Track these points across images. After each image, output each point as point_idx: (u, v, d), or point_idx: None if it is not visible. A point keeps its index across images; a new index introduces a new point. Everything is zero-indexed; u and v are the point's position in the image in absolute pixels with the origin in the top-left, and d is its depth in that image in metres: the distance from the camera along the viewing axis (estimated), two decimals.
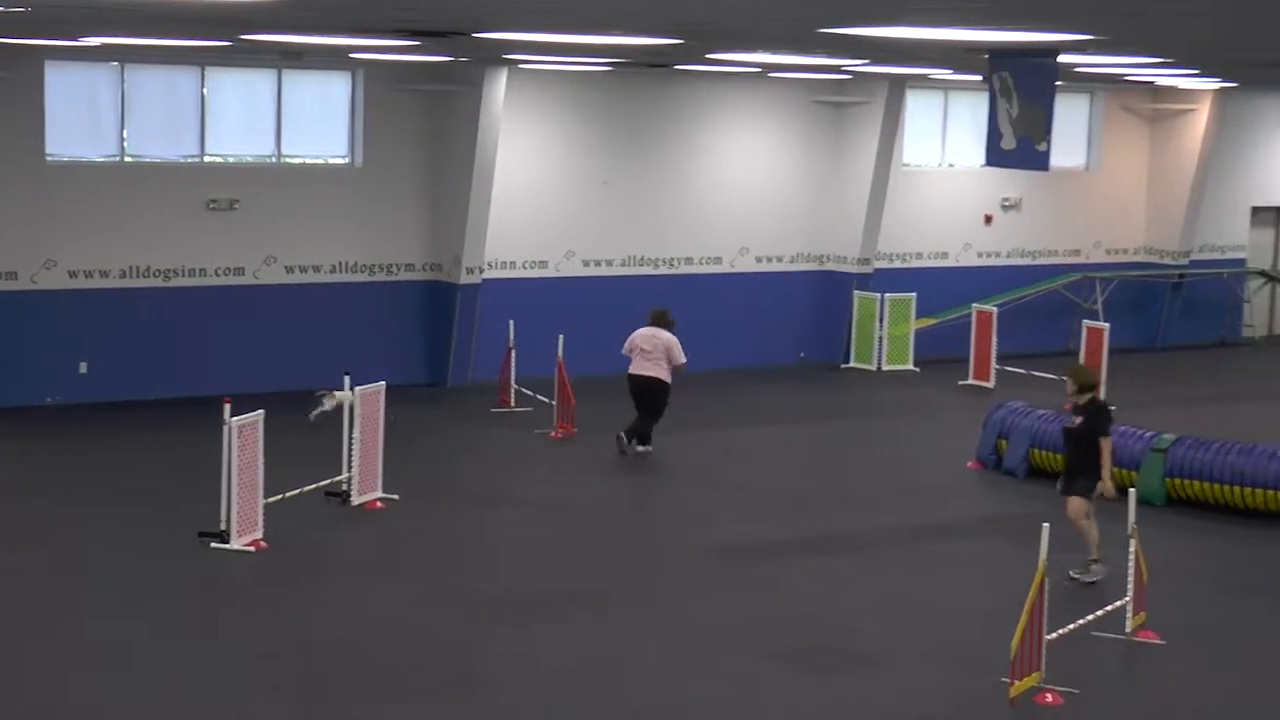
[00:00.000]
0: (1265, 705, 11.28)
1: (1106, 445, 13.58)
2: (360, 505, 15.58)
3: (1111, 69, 19.26)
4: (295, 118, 21.78)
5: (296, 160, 21.91)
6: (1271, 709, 11.21)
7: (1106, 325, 22.13)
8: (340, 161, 22.19)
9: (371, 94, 21.96)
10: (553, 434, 19.24)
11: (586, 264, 23.51)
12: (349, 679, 11.16)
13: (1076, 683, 11.14)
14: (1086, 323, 22.47)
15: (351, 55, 19.39)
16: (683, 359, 18.33)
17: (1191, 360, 26.78)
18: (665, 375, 18.27)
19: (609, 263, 23.66)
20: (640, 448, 18.36)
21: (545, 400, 19.91)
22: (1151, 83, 24.31)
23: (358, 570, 13.99)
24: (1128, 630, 12.27)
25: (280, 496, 14.91)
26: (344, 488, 15.65)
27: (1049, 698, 10.94)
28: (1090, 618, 12.17)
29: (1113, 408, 14.19)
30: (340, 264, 21.98)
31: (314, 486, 15.64)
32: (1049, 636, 11.20)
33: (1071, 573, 13.60)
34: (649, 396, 18.32)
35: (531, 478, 17.51)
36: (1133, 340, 26.79)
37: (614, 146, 23.61)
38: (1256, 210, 29.29)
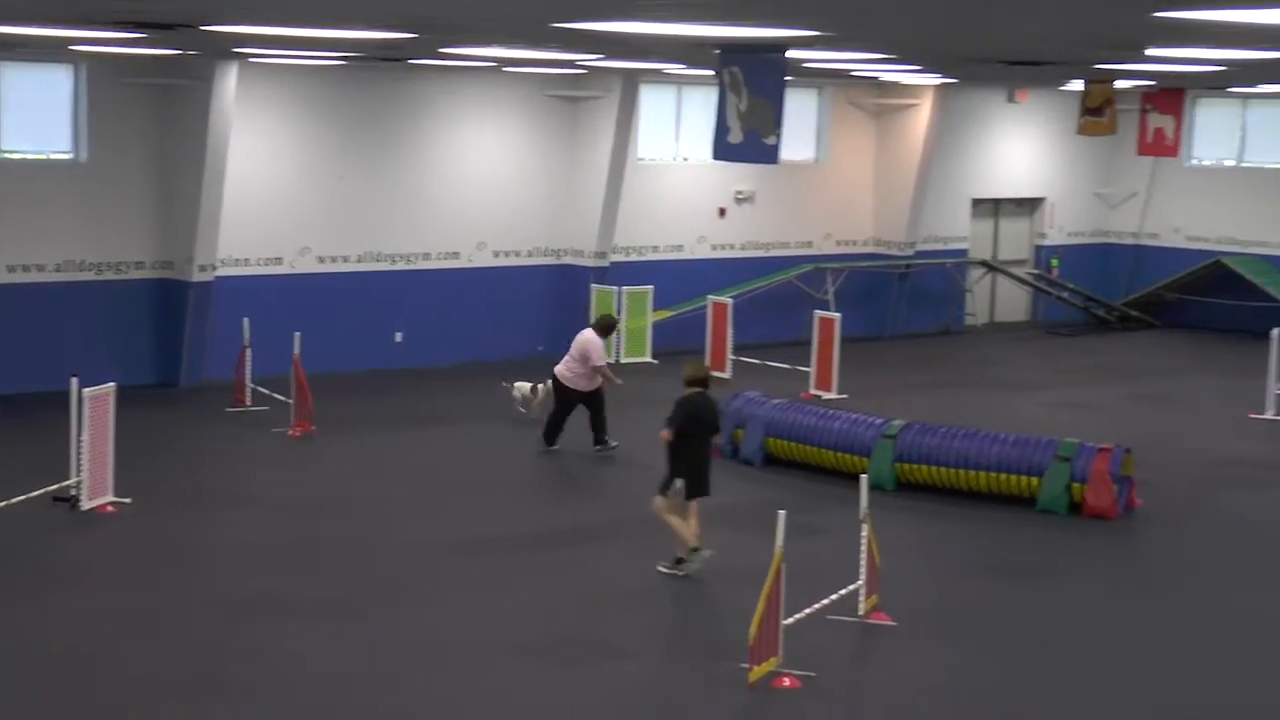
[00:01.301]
0: (991, 679, 11.70)
1: (664, 435, 13.83)
2: (91, 510, 15.15)
3: (838, 64, 19.72)
4: (14, 112, 21.05)
5: (17, 156, 21.18)
6: (997, 682, 11.63)
7: (838, 315, 22.66)
8: (64, 157, 21.51)
9: (96, 88, 21.34)
10: (291, 432, 18.97)
11: (322, 260, 23.21)
12: (87, 689, 10.86)
13: (813, 666, 11.40)
14: (818, 313, 22.98)
15: (72, 47, 18.82)
16: (597, 361, 18.02)
17: (918, 348, 27.59)
18: (568, 375, 18.12)
19: (345, 259, 23.40)
20: (595, 448, 18.41)
21: (282, 399, 19.62)
22: (876, 78, 24.98)
23: (91, 576, 13.60)
24: (861, 613, 12.61)
25: (5, 503, 14.41)
26: (73, 492, 15.20)
27: (786, 681, 11.18)
28: (825, 602, 12.46)
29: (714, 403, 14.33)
30: (66, 262, 21.31)
31: (41, 492, 15.16)
32: (786, 622, 11.44)
33: (660, 567, 13.90)
34: (559, 396, 18.37)
35: (271, 477, 17.25)
36: (863, 329, 27.48)
37: (349, 141, 23.36)
38: (976, 202, 30.31)
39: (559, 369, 18.30)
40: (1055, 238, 31.46)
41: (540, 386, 19.61)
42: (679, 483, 13.84)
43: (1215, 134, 31.17)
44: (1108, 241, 32.13)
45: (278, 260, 22.83)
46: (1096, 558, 14.99)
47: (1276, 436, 20.64)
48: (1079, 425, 19.73)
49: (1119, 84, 22.83)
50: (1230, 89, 27.57)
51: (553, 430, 18.41)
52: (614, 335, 18.73)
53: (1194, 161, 31.33)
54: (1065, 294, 30.63)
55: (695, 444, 13.86)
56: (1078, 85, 23.77)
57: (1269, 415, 21.44)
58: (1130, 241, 31.99)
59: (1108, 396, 23.18)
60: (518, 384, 19.99)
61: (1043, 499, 16.27)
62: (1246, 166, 30.69)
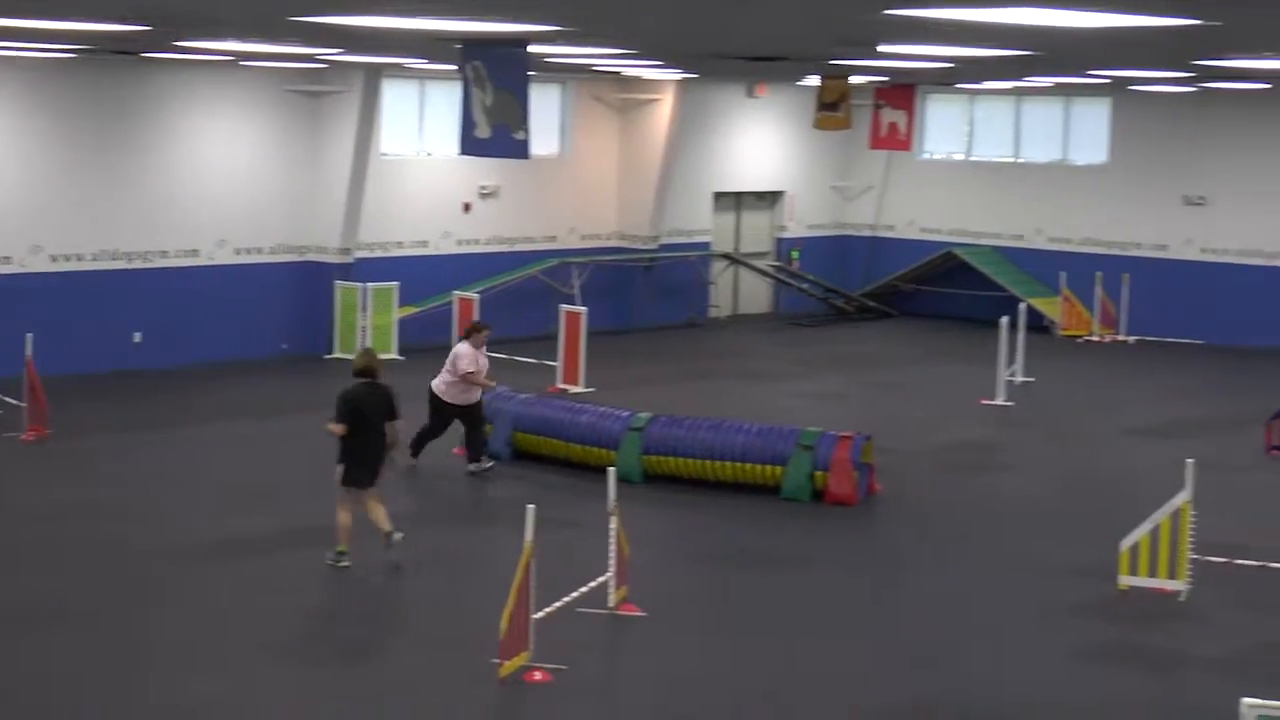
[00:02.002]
0: (739, 667, 11.89)
1: (334, 428, 13.85)
2: None
3: (580, 59, 19.82)
4: None
5: None
6: (746, 670, 11.82)
7: (584, 309, 22.78)
8: None
9: None
10: (24, 437, 18.36)
11: (55, 259, 22.50)
12: None
13: (564, 659, 11.45)
14: (565, 307, 23.07)
15: None
16: (462, 369, 17.07)
17: (664, 340, 27.88)
18: (441, 388, 17.21)
19: (80, 258, 22.72)
20: (471, 466, 17.33)
21: (14, 402, 18.97)
22: (619, 73, 25.17)
23: None
24: (611, 605, 12.70)
25: None
26: None
27: (538, 675, 11.21)
28: (575, 595, 12.52)
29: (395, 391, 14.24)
30: None
31: None
32: (536, 616, 11.47)
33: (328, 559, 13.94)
34: (434, 411, 17.36)
35: (3, 482, 16.66)
36: (609, 322, 27.67)
37: (82, 137, 22.67)
38: (719, 196, 30.75)
39: (434, 383, 17.32)
40: (795, 230, 32.10)
41: None
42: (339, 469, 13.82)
43: (945, 128, 32.16)
44: (845, 234, 32.90)
45: (7, 259, 22.06)
46: (839, 543, 15.34)
47: (1006, 421, 21.37)
48: (821, 414, 20.16)
49: (854, 79, 23.37)
50: (958, 85, 28.47)
51: (420, 442, 17.39)
52: (483, 336, 17.37)
53: (926, 155, 32.28)
54: (806, 285, 31.27)
55: (361, 435, 13.80)
56: (815, 81, 24.26)
57: (999, 401, 22.19)
58: (867, 233, 32.81)
59: (848, 385, 23.74)
60: None
61: (787, 487, 16.59)
62: (975, 160, 31.72)
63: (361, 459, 13.83)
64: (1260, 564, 14.57)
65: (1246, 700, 7.92)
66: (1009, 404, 22.14)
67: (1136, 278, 28.94)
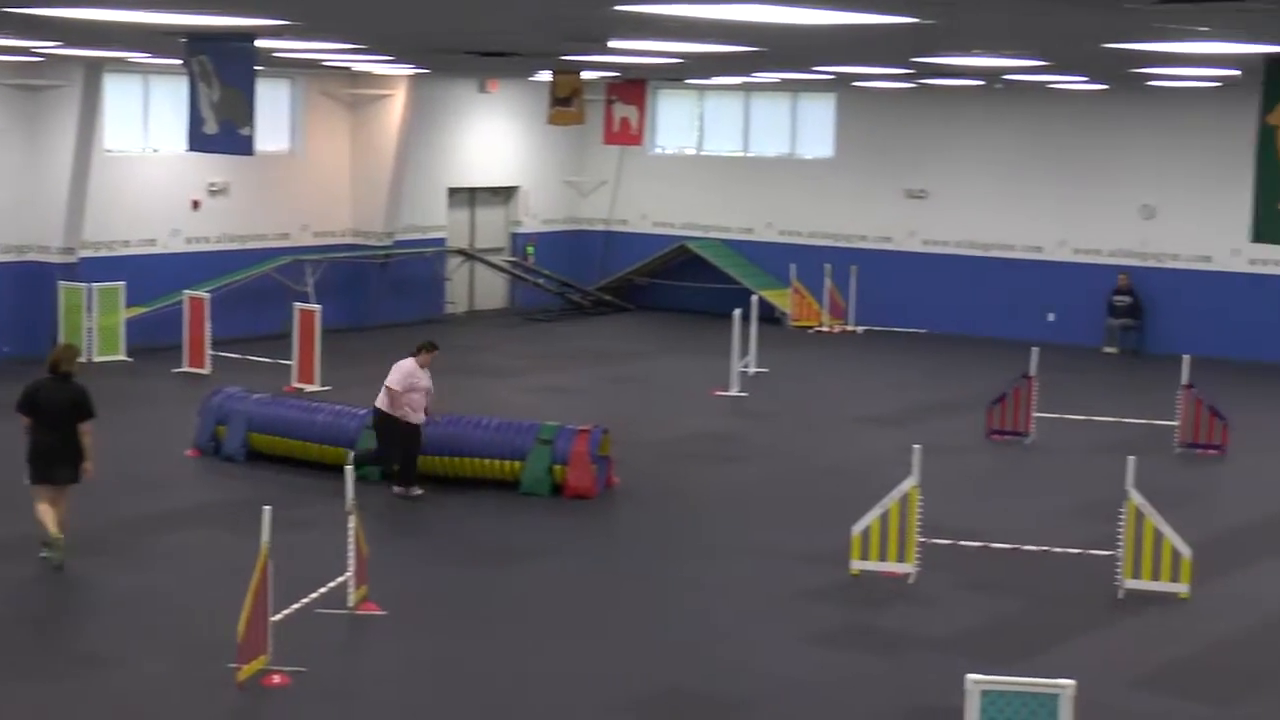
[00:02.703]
0: (482, 664, 11.88)
1: (23, 422, 13.78)
2: None
3: (309, 54, 19.56)
4: None
5: None
6: (488, 667, 11.82)
7: (318, 307, 22.49)
8: None
9: None
10: None
11: None
12: None
13: (304, 661, 11.31)
14: (299, 305, 22.74)
15: None
16: (388, 381, 16.23)
17: (401, 337, 27.52)
18: (385, 404, 16.28)
19: None
20: (397, 488, 16.40)
21: None
22: (349, 68, 24.89)
23: None
24: (351, 604, 12.58)
25: None
26: None
27: (276, 678, 11.06)
28: (314, 596, 12.38)
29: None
30: None
31: None
32: (274, 618, 11.31)
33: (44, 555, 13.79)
34: (383, 430, 16.37)
35: None
36: (345, 320, 27.36)
37: None
38: (453, 191, 30.63)
39: (378, 401, 16.38)
40: (530, 225, 32.15)
41: None
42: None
43: (676, 123, 32.56)
44: (580, 228, 33.08)
45: None
46: (580, 536, 15.44)
47: (740, 411, 21.74)
48: (559, 408, 20.26)
49: (586, 75, 23.51)
50: (689, 80, 28.86)
51: (390, 465, 16.39)
52: (428, 356, 16.45)
53: (658, 150, 32.63)
54: (541, 280, 31.35)
55: (43, 431, 13.56)
56: (547, 76, 24.34)
57: (733, 392, 22.57)
58: (601, 228, 33.04)
59: (585, 379, 23.88)
60: None
61: (526, 482, 16.63)
62: (706, 154, 32.18)
63: (45, 455, 13.56)
64: (983, 545, 15.08)
65: (971, 677, 8.21)
66: (743, 395, 22.53)
67: (863, 269, 29.71)
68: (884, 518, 13.92)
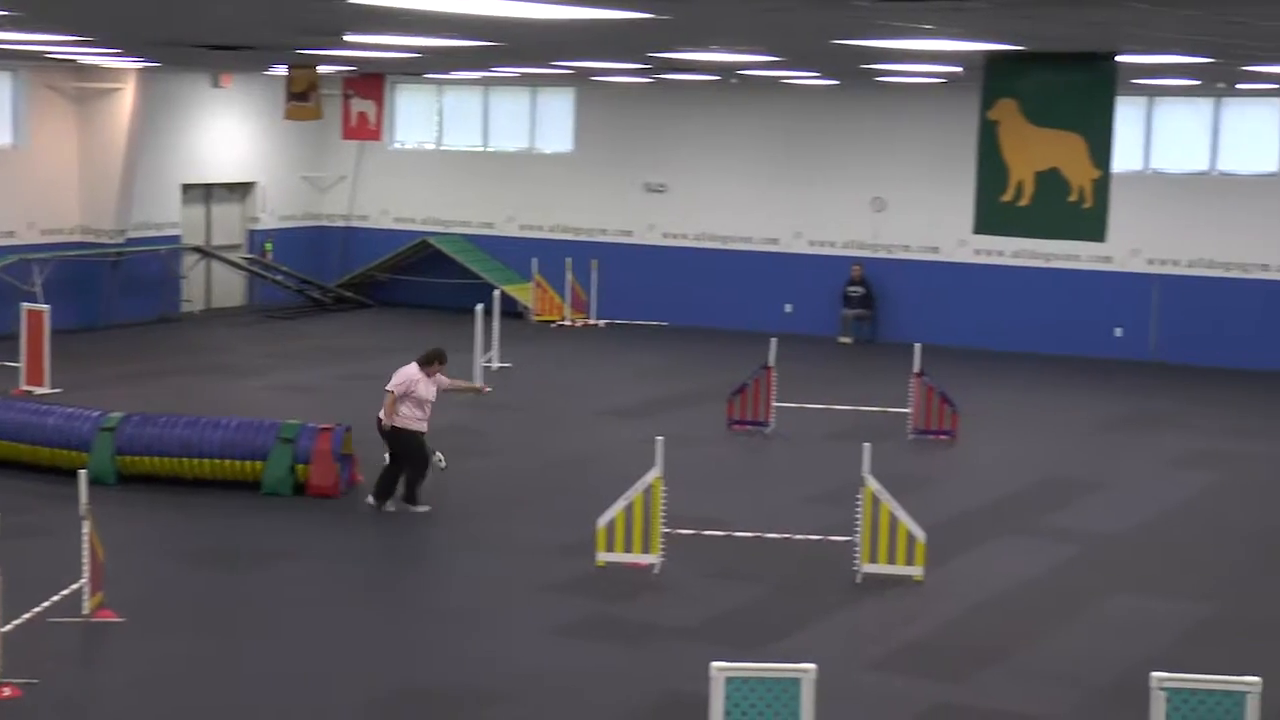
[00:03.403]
0: (223, 668, 11.67)
1: None
2: None
3: (30, 46, 18.94)
4: None
5: None
6: (229, 671, 11.61)
7: (47, 307, 21.78)
8: None
9: None
10: None
11: None
12: None
13: (37, 672, 10.97)
14: (26, 305, 22.00)
15: None
16: (389, 387, 15.92)
17: (135, 337, 26.97)
18: (392, 418, 15.90)
19: None
20: (410, 505, 15.96)
21: None
22: (74, 60, 24.15)
23: None
24: (86, 612, 12.24)
25: None
26: None
27: (6, 691, 10.70)
28: (47, 604, 12.01)
29: None
30: None
31: None
32: (4, 629, 10.94)
33: None
34: (388, 443, 15.95)
35: None
36: (76, 321, 26.55)
37: None
38: (187, 188, 29.95)
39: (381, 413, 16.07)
40: (268, 222, 31.62)
41: None
42: None
43: (415, 118, 32.35)
44: (320, 224, 32.64)
45: None
46: (324, 536, 15.25)
47: (482, 406, 21.68)
48: (301, 406, 19.98)
49: (322, 69, 23.22)
50: (427, 75, 28.69)
51: (414, 486, 16.08)
52: (435, 367, 15.99)
53: (397, 145, 32.38)
54: (280, 277, 30.86)
55: None
56: (283, 71, 23.97)
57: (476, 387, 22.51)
58: (341, 224, 32.66)
59: (327, 377, 23.59)
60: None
61: (267, 482, 16.37)
62: (445, 149, 32.04)
63: None
64: (726, 533, 15.33)
65: (716, 664, 8.34)
66: (487, 390, 22.47)
67: (604, 263, 29.91)
68: (628, 509, 14.05)
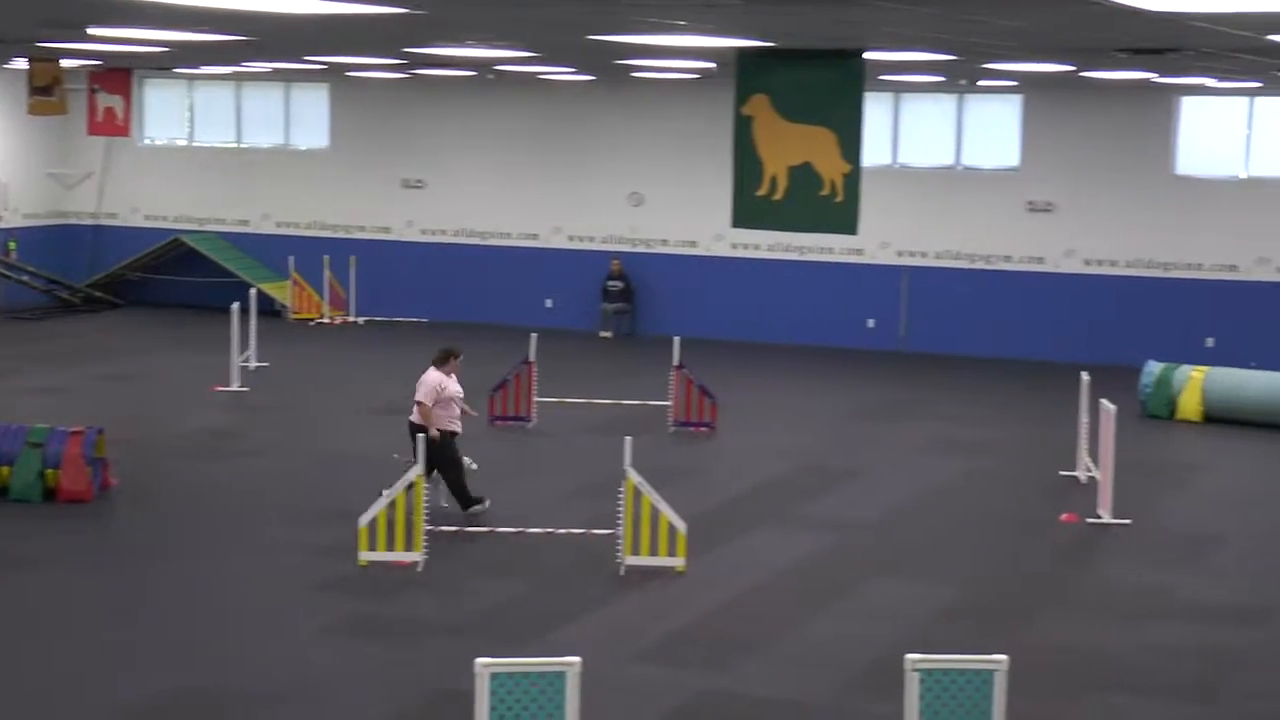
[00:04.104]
0: None
1: None
2: None
3: None
4: None
5: None
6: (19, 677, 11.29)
7: None
8: None
9: None
10: None
11: None
12: None
13: None
14: None
15: None
16: (421, 397, 15.46)
17: None
18: (417, 417, 15.45)
19: None
20: (465, 512, 15.55)
21: None
22: None
23: None
24: None
25: None
26: None
27: None
28: None
29: None
30: None
31: None
32: None
33: None
34: (414, 444, 15.07)
35: None
36: None
37: None
38: None
39: (411, 417, 15.66)
40: (11, 220, 30.62)
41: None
42: None
43: (166, 114, 31.66)
44: (67, 223, 31.74)
45: None
46: (76, 541, 14.85)
47: (242, 407, 21.37)
48: (51, 410, 19.41)
49: (66, 63, 22.59)
50: (177, 70, 28.08)
51: (463, 491, 15.69)
52: (454, 363, 15.87)
53: (147, 141, 31.65)
54: (26, 277, 29.92)
55: None
56: (24, 64, 23.25)
57: (234, 387, 22.15)
58: (90, 222, 31.81)
59: (78, 379, 22.96)
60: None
61: (15, 488, 15.89)
62: (198, 146, 31.43)
63: None
64: (490, 529, 15.32)
65: (481, 660, 8.34)
66: (244, 390, 22.14)
67: (363, 260, 29.63)
68: (390, 508, 13.96)
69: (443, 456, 15.49)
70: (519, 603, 13.36)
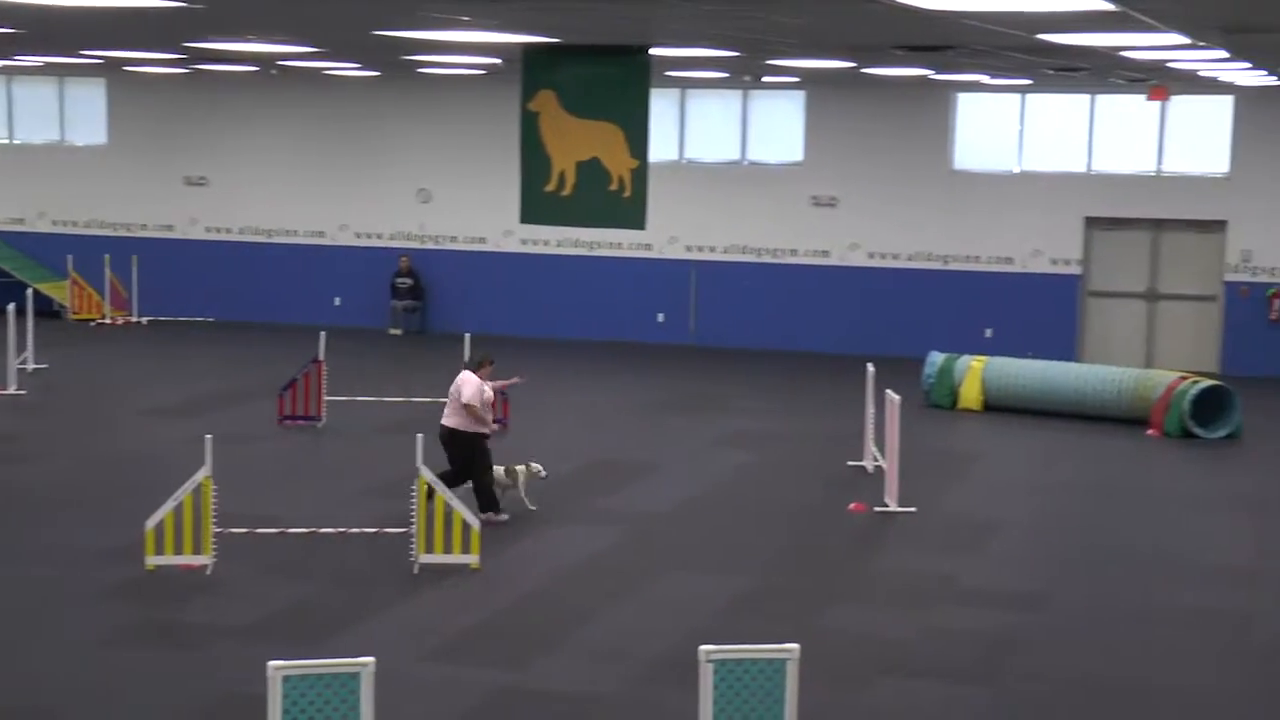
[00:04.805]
0: None
1: None
2: None
3: None
4: None
5: None
6: None
7: None
8: None
9: None
10: None
11: None
12: None
13: None
14: None
15: None
16: (467, 399, 15.41)
17: None
18: (464, 424, 15.48)
19: None
20: (486, 515, 15.33)
21: None
22: None
23: None
24: None
25: None
26: None
27: None
28: None
29: None
30: None
31: None
32: None
33: None
34: (453, 450, 15.56)
35: None
36: None
37: None
38: None
39: (447, 421, 15.56)
40: None
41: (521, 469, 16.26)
42: None
43: None
44: None
45: None
46: None
47: (20, 410, 20.80)
48: None
49: None
50: None
51: (487, 494, 15.64)
52: (490, 369, 16.01)
53: None
54: None
55: None
56: None
57: (11, 390, 21.55)
58: None
59: None
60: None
61: None
62: None
63: None
64: (281, 530, 15.13)
65: (273, 663, 8.24)
66: (21, 393, 21.55)
67: (145, 259, 29.01)
68: (178, 510, 13.70)
69: (480, 459, 15.62)
70: (311, 604, 13.21)
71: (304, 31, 14.64)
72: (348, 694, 8.26)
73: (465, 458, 15.58)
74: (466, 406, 15.50)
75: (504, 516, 15.74)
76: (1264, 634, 13.11)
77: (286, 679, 8.20)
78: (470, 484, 15.65)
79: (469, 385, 15.58)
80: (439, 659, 11.94)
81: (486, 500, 15.63)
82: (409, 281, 28.48)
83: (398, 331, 28.42)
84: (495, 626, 12.78)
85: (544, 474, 16.11)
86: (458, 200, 28.50)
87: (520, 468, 16.14)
